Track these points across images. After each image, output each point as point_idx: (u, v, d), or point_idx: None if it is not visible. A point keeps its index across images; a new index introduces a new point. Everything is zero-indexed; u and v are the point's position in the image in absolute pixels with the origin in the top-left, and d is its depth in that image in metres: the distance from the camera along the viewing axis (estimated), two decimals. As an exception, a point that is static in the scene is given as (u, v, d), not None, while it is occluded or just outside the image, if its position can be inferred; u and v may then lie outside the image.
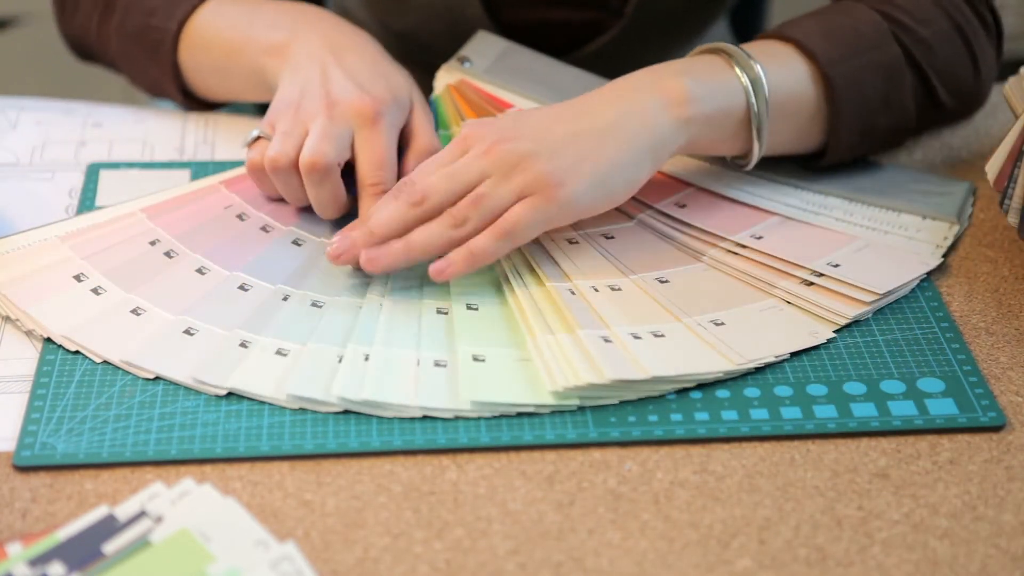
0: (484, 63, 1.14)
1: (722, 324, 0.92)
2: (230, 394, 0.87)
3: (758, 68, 0.98)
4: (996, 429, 0.87)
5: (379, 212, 0.94)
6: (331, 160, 0.97)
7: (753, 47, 1.01)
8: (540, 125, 0.95)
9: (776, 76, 0.99)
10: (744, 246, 0.99)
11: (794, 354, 0.91)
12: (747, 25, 1.49)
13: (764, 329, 0.92)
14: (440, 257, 0.93)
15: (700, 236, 1.00)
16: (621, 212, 1.01)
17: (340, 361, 0.89)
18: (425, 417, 0.86)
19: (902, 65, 1.03)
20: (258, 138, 1.00)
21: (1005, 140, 0.97)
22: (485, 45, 1.16)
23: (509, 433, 0.85)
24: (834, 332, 0.93)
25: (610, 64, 1.14)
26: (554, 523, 0.80)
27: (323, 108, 0.99)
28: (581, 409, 0.87)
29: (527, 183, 0.93)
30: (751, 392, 0.89)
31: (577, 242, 0.99)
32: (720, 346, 0.90)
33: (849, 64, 1.01)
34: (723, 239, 0.99)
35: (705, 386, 0.89)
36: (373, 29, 1.30)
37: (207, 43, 1.10)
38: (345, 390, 0.86)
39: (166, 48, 1.11)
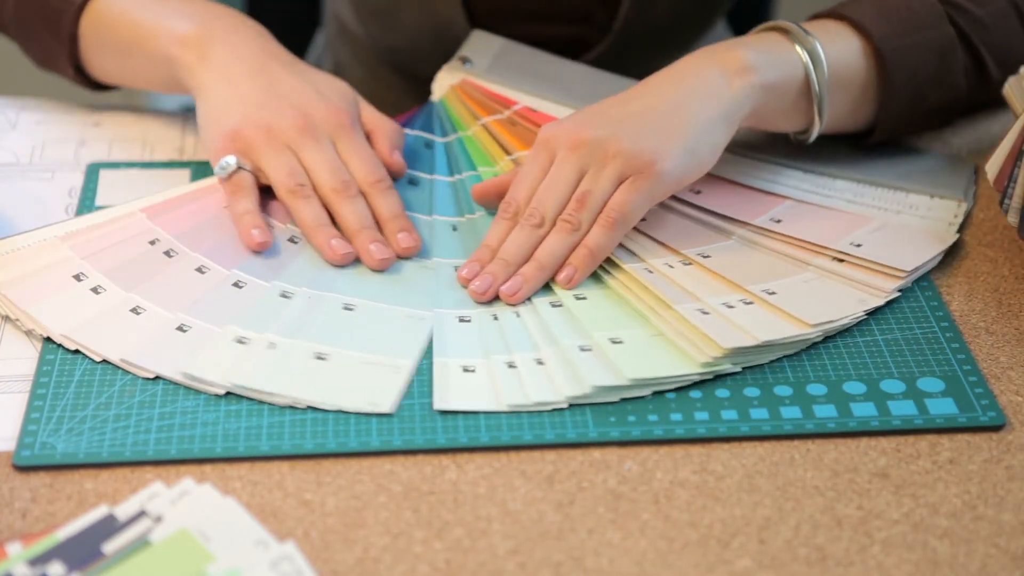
0: (484, 62, 1.14)
1: (774, 293, 0.94)
2: (229, 394, 0.87)
3: (815, 42, 1.00)
4: (996, 429, 0.87)
5: (506, 243, 0.96)
6: (350, 178, 0.99)
7: (808, 24, 1.03)
8: (612, 110, 0.98)
9: (832, 50, 1.01)
10: (766, 230, 1.00)
11: (792, 353, 0.91)
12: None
13: (814, 297, 0.94)
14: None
15: (721, 222, 1.01)
16: None
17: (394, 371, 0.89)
18: (444, 413, 0.86)
19: (955, 44, 1.04)
20: (239, 169, 1.00)
21: (1005, 140, 0.97)
22: (482, 44, 1.16)
23: (509, 433, 0.85)
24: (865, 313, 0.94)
25: None
26: (554, 523, 0.80)
27: (300, 127, 1.00)
28: (581, 407, 0.87)
29: (623, 167, 0.95)
30: (751, 392, 0.89)
31: None
32: (792, 311, 0.92)
33: (902, 41, 1.03)
34: (745, 224, 1.01)
35: (705, 385, 0.89)
36: (366, 42, 1.30)
37: (114, 21, 1.07)
38: (512, 397, 0.87)
39: (67, 19, 1.08)
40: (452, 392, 0.88)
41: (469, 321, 0.93)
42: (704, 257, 0.97)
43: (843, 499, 0.82)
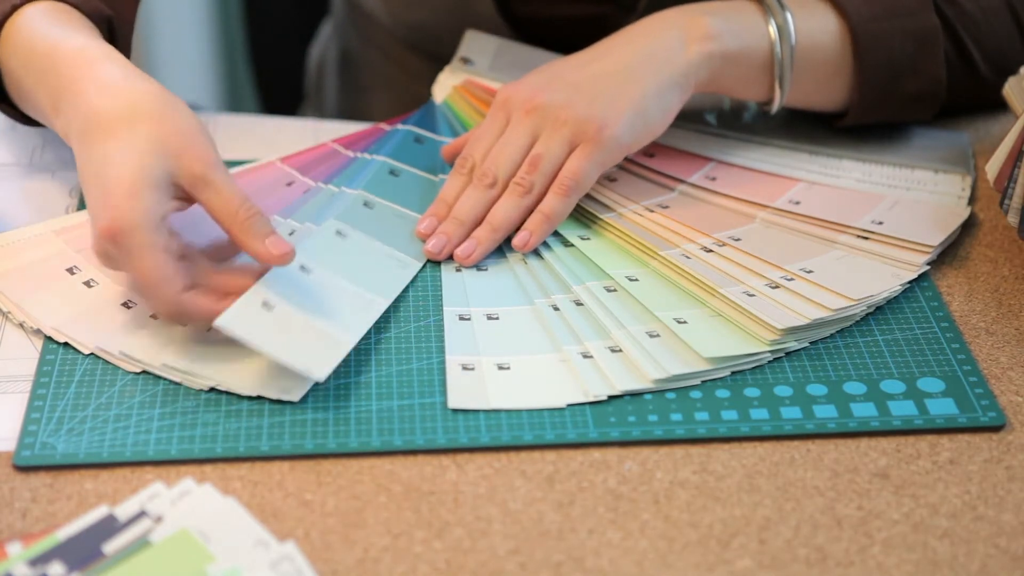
0: (485, 61, 1.15)
1: (811, 272, 0.95)
2: (230, 393, 0.87)
3: (787, 15, 1.01)
4: (996, 429, 0.87)
5: (459, 202, 0.98)
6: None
7: None
8: (571, 72, 1.01)
9: (804, 25, 1.02)
10: (787, 211, 1.02)
11: (791, 353, 0.91)
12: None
13: (851, 274, 0.95)
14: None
15: (742, 205, 1.02)
16: (661, 186, 1.04)
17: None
18: (458, 410, 0.86)
19: (937, 34, 1.04)
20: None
21: (1005, 140, 0.97)
22: (479, 44, 1.17)
23: (509, 433, 0.85)
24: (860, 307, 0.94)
25: None
26: (554, 523, 0.80)
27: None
28: (580, 407, 0.87)
29: (574, 132, 0.97)
30: (751, 392, 0.89)
31: (652, 210, 1.01)
32: (834, 287, 0.93)
33: (880, 25, 1.03)
34: (765, 206, 1.02)
35: (705, 385, 0.89)
36: (384, 20, 1.29)
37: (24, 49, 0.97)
38: (598, 388, 0.88)
39: None
40: (491, 391, 0.88)
41: (497, 319, 0.93)
42: (735, 240, 0.98)
43: (843, 499, 0.82)
